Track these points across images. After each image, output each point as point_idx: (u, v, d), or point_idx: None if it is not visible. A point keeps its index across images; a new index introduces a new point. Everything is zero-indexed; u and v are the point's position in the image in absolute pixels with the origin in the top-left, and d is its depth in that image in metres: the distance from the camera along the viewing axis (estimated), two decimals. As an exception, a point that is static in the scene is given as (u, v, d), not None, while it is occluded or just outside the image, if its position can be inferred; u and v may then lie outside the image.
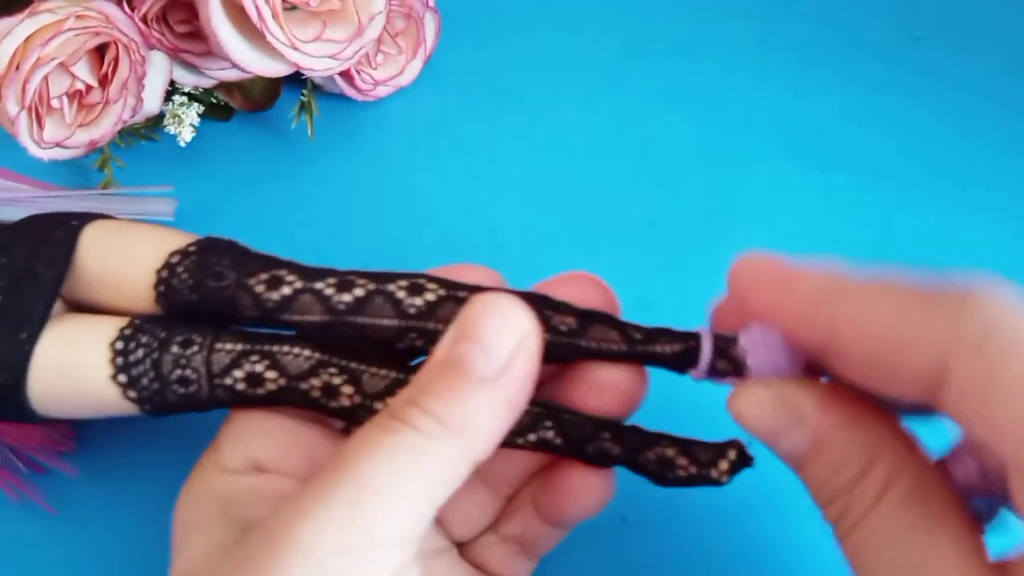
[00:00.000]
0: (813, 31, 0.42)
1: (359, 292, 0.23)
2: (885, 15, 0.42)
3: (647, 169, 0.37)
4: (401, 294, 0.23)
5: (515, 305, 0.20)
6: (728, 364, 0.22)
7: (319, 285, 0.23)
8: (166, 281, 0.23)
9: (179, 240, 0.24)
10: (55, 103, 0.30)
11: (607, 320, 0.22)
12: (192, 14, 0.32)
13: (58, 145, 0.31)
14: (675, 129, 0.38)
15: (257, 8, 0.29)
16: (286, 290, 0.23)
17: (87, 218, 0.25)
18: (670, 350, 0.22)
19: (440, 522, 0.25)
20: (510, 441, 0.22)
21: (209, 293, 0.23)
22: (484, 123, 0.38)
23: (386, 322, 0.23)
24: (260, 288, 0.23)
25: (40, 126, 0.30)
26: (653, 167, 0.37)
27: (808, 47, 0.41)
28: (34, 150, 0.30)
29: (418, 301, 0.22)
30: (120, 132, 0.33)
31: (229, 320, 0.24)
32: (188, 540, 0.21)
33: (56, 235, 0.24)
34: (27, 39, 0.28)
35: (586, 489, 0.23)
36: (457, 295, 0.23)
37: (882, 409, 0.20)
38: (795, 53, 0.41)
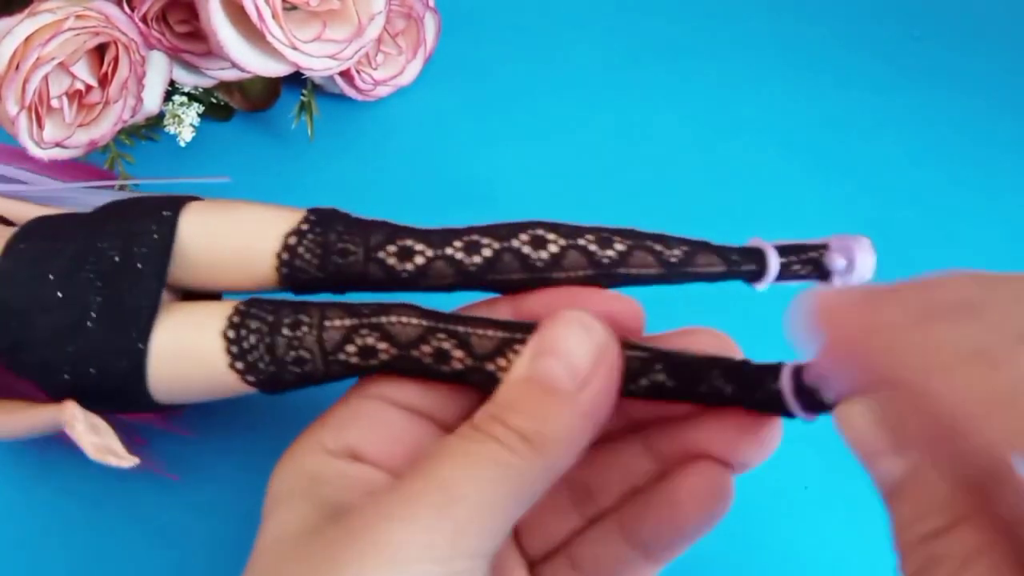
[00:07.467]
0: (813, 31, 0.42)
1: (487, 252, 0.23)
2: (885, 15, 0.42)
3: (647, 168, 0.37)
4: (527, 249, 0.23)
5: (593, 320, 0.20)
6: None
7: (448, 251, 0.24)
8: (289, 263, 0.24)
9: (287, 218, 0.24)
10: (55, 103, 0.30)
11: (708, 247, 0.24)
12: (192, 14, 0.32)
13: (58, 145, 0.31)
14: (675, 129, 0.38)
15: (257, 8, 0.29)
16: (419, 260, 0.24)
17: (179, 204, 0.25)
18: None
19: (517, 534, 0.24)
20: (622, 390, 0.22)
21: (336, 269, 0.24)
22: (484, 123, 0.38)
23: (515, 276, 0.24)
24: (392, 261, 0.24)
25: (40, 126, 0.30)
26: (652, 166, 0.37)
27: (808, 47, 0.41)
28: (34, 150, 0.30)
29: (543, 254, 0.23)
30: (120, 132, 0.33)
31: (354, 288, 0.24)
32: (276, 512, 0.21)
33: (151, 228, 0.24)
34: (27, 39, 0.28)
35: (710, 491, 0.22)
36: (577, 243, 0.23)
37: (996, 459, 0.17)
38: (795, 52, 0.41)
